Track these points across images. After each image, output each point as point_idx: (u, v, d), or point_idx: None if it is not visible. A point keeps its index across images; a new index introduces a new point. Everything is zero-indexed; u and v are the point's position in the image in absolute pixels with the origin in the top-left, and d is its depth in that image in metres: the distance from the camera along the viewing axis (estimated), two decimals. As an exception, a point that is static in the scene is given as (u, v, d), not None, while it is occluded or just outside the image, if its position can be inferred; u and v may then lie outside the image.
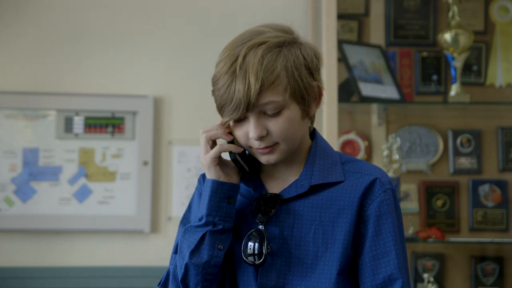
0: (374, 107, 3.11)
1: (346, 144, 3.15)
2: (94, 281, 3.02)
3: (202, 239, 1.47)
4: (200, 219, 1.48)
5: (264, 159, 1.48)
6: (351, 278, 1.47)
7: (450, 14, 3.06)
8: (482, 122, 3.20)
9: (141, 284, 3.02)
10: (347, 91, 3.01)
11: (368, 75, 3.04)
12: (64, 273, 3.03)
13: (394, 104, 3.08)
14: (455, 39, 3.00)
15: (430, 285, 2.93)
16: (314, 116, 1.55)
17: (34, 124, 3.11)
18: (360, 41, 3.20)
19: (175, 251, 1.55)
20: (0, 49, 3.15)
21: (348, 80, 3.01)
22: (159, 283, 1.56)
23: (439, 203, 3.15)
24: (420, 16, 3.25)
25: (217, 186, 1.48)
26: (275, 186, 1.53)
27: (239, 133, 1.47)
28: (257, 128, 1.44)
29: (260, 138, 1.45)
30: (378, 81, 3.05)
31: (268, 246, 1.45)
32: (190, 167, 3.14)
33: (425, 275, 2.95)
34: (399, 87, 3.08)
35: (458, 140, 3.18)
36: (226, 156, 1.52)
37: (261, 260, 1.45)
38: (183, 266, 1.47)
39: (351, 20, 3.24)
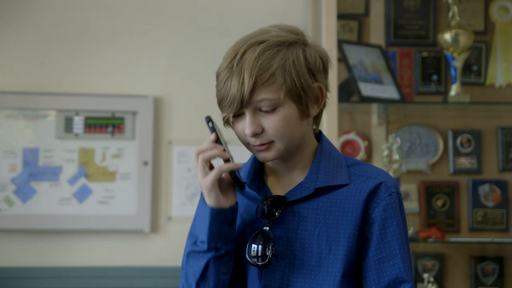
0: (374, 107, 3.11)
1: (346, 144, 3.14)
2: (94, 281, 3.02)
3: (206, 266, 1.47)
4: (202, 242, 1.48)
5: (260, 156, 1.49)
6: (355, 281, 1.48)
7: (450, 14, 3.06)
8: (482, 122, 3.20)
9: (141, 284, 3.02)
10: (347, 91, 3.01)
11: (368, 75, 3.04)
12: (64, 273, 3.03)
13: (394, 104, 3.07)
14: (455, 39, 3.00)
15: (430, 285, 2.93)
16: (319, 117, 1.55)
17: (34, 124, 3.11)
18: (360, 41, 3.20)
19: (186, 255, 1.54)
20: (0, 49, 3.15)
21: (348, 80, 3.01)
22: None
23: (439, 203, 3.15)
24: (420, 16, 3.25)
25: (217, 213, 1.46)
26: (280, 188, 1.54)
27: (238, 128, 1.48)
28: (251, 125, 1.44)
29: (255, 135, 1.45)
30: (378, 81, 3.05)
31: (273, 248, 1.45)
32: (190, 167, 3.14)
33: (425, 275, 2.95)
34: (399, 87, 3.08)
35: (458, 140, 3.18)
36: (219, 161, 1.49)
37: (264, 262, 1.45)
38: None
39: (351, 20, 3.24)
